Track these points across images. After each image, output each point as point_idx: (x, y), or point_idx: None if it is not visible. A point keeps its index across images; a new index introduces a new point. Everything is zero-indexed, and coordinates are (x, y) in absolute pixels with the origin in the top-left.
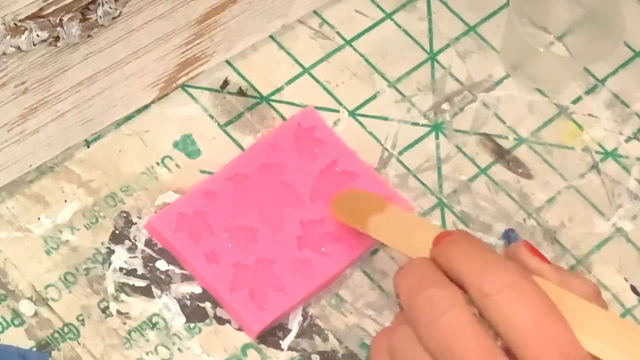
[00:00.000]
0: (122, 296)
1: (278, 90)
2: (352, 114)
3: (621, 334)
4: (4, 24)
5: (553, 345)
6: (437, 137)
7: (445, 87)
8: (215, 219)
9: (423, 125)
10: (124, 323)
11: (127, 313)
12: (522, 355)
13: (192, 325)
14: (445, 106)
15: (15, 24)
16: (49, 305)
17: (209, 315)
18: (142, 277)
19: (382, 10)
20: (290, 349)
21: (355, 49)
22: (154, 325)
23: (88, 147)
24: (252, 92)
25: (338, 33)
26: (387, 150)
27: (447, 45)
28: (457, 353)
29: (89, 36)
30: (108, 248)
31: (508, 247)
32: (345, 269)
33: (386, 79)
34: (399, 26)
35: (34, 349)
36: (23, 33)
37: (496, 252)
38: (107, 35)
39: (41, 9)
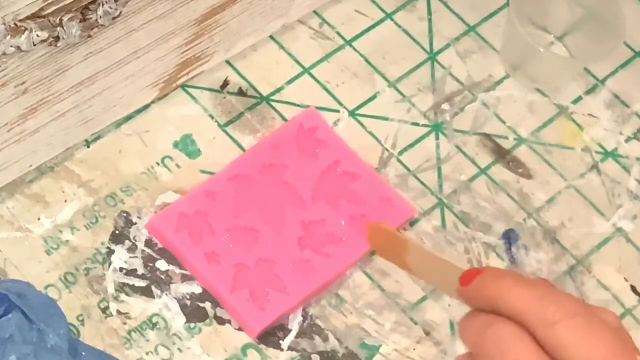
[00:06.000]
0: (122, 296)
1: (278, 90)
2: (352, 114)
3: None
4: (4, 24)
5: None
6: (437, 137)
7: (445, 87)
8: (216, 219)
9: (423, 125)
10: (124, 323)
11: (127, 313)
12: None
13: (192, 325)
14: (445, 106)
15: (15, 24)
16: None
17: (209, 315)
18: (142, 277)
19: (382, 10)
20: (290, 349)
21: (355, 49)
22: (154, 325)
23: (88, 147)
24: (252, 92)
25: (338, 33)
26: (387, 150)
27: (447, 45)
28: None
29: (89, 36)
30: (108, 248)
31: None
32: (346, 270)
33: (386, 79)
34: (399, 26)
35: None
36: (23, 33)
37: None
38: (107, 35)
39: (41, 9)
